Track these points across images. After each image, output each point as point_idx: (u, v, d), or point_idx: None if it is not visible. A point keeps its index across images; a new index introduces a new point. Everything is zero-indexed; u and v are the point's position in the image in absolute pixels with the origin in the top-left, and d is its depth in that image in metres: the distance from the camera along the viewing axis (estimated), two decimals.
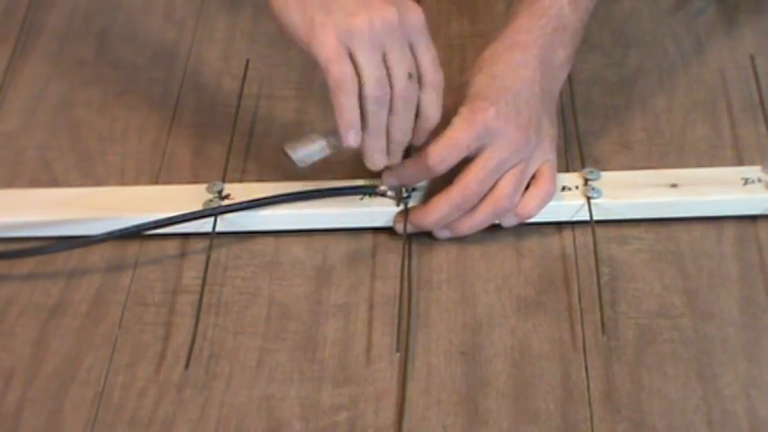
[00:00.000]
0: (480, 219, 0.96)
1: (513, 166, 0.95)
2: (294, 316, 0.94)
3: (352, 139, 0.90)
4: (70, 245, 0.97)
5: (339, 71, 0.88)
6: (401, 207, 0.98)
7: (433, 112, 0.93)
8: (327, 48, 0.88)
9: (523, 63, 0.97)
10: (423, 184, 0.98)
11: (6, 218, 1.00)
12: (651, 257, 0.96)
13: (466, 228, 0.96)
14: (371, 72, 0.89)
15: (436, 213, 0.96)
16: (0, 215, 1.00)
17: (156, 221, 0.97)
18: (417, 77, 0.91)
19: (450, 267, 0.96)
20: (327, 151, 0.94)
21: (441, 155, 0.94)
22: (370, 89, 0.89)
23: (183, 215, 0.97)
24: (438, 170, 0.94)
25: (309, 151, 0.94)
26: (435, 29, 1.09)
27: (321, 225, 0.99)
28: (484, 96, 0.95)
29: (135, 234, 0.97)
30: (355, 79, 0.89)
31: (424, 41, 0.91)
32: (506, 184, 0.95)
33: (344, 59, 0.88)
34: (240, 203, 0.98)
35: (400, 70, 0.89)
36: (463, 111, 0.94)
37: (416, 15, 0.90)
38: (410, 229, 0.96)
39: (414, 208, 0.97)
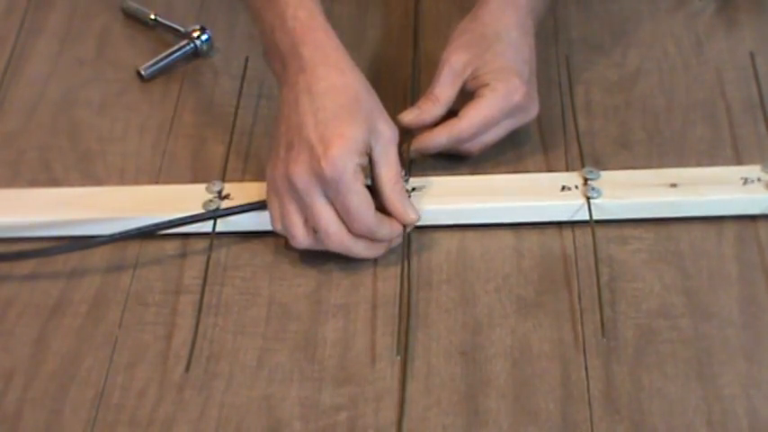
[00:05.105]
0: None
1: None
2: (294, 316, 0.94)
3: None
4: (70, 247, 0.97)
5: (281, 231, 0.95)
6: None
7: (396, 208, 0.94)
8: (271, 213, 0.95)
9: (528, 28, 1.02)
10: (422, 183, 0.98)
11: (6, 218, 1.00)
12: (651, 257, 0.96)
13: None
14: (293, 233, 0.94)
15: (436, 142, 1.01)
16: (0, 215, 1.00)
17: (156, 224, 0.96)
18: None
19: (450, 267, 0.96)
20: None
21: (478, 128, 0.99)
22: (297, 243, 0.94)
23: (182, 218, 0.97)
24: (472, 144, 1.00)
25: None
26: (435, 29, 1.09)
27: None
28: (516, 72, 0.99)
29: (134, 237, 0.97)
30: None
31: (338, 191, 0.91)
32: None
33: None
34: (242, 206, 0.97)
35: (319, 225, 0.92)
36: (498, 88, 0.98)
37: (330, 167, 0.90)
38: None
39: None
